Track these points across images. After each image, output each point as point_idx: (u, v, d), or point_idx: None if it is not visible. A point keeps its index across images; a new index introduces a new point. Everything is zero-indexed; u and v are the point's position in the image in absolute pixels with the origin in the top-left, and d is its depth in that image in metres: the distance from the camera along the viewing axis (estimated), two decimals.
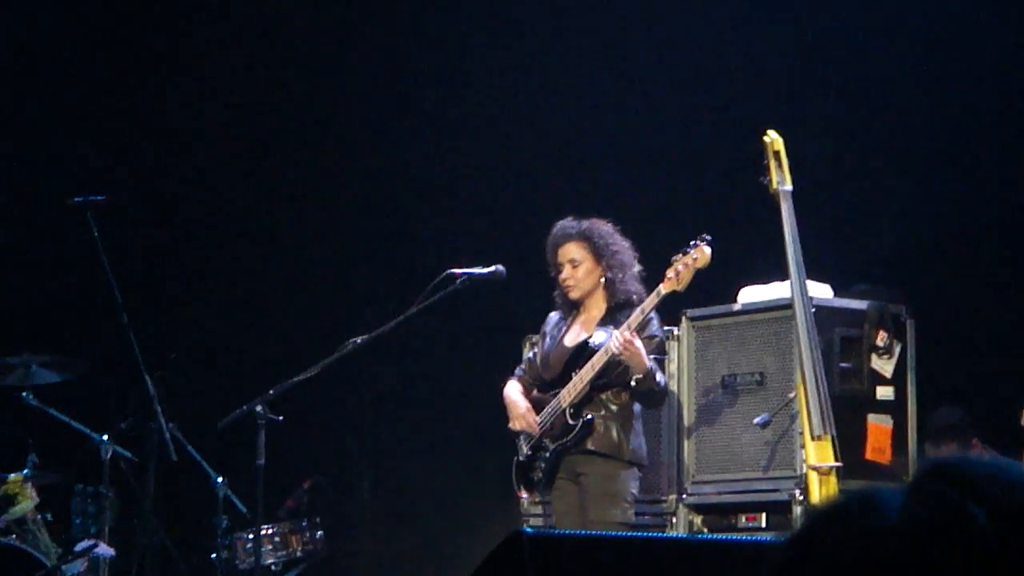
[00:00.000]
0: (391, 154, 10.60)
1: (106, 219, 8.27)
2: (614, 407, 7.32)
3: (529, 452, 7.48)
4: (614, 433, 7.30)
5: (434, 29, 10.54)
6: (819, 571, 1.29)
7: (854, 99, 9.10)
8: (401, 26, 10.66)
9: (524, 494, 7.59)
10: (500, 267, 7.57)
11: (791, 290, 7.07)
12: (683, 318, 7.84)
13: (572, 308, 7.55)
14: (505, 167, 10.18)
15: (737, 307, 7.76)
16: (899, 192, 8.77)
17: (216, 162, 10.69)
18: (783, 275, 7.20)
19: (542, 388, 7.55)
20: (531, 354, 7.73)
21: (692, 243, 7.14)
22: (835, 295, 7.65)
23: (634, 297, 7.36)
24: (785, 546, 1.34)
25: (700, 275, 7.25)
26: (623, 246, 7.45)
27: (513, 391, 7.62)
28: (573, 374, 7.34)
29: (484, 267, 7.57)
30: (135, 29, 10.82)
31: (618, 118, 9.77)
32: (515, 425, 7.50)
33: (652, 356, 7.23)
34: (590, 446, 7.30)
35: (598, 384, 7.28)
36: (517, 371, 7.72)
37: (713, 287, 7.82)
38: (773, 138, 7.18)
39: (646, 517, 7.83)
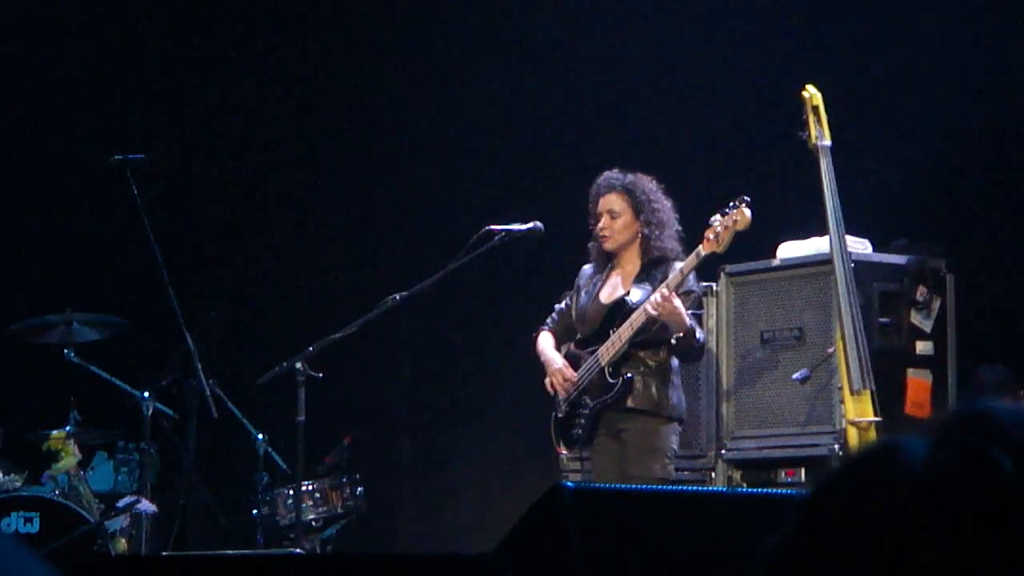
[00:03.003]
0: (429, 110, 10.59)
1: (146, 177, 8.30)
2: (653, 364, 7.33)
3: (568, 409, 7.50)
4: (654, 390, 7.31)
5: None
6: (844, 519, 1.30)
7: (895, 53, 9.04)
8: None
9: (563, 450, 7.61)
10: (538, 223, 7.58)
11: (830, 245, 7.06)
12: (721, 274, 7.83)
13: (606, 261, 7.55)
14: (544, 124, 10.16)
15: (776, 262, 7.75)
16: (939, 147, 8.73)
17: (256, 121, 10.70)
18: (822, 230, 7.18)
19: (578, 343, 7.56)
20: (563, 305, 7.71)
21: (732, 204, 7.11)
22: (874, 250, 7.64)
23: (670, 254, 7.35)
24: (810, 495, 1.35)
25: (739, 230, 7.23)
26: (664, 204, 7.44)
27: (547, 344, 7.63)
28: (611, 331, 7.34)
29: (522, 223, 7.58)
30: None
31: (657, 74, 9.74)
32: (551, 381, 7.52)
33: (690, 312, 7.23)
34: (630, 403, 7.31)
35: (637, 342, 7.29)
36: (548, 322, 7.72)
37: (752, 242, 7.80)
38: (812, 93, 7.15)
39: (685, 472, 7.84)
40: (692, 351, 7.31)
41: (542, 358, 7.61)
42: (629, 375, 7.30)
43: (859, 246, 7.50)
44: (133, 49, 10.68)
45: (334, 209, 10.76)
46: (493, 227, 7.53)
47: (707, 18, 9.54)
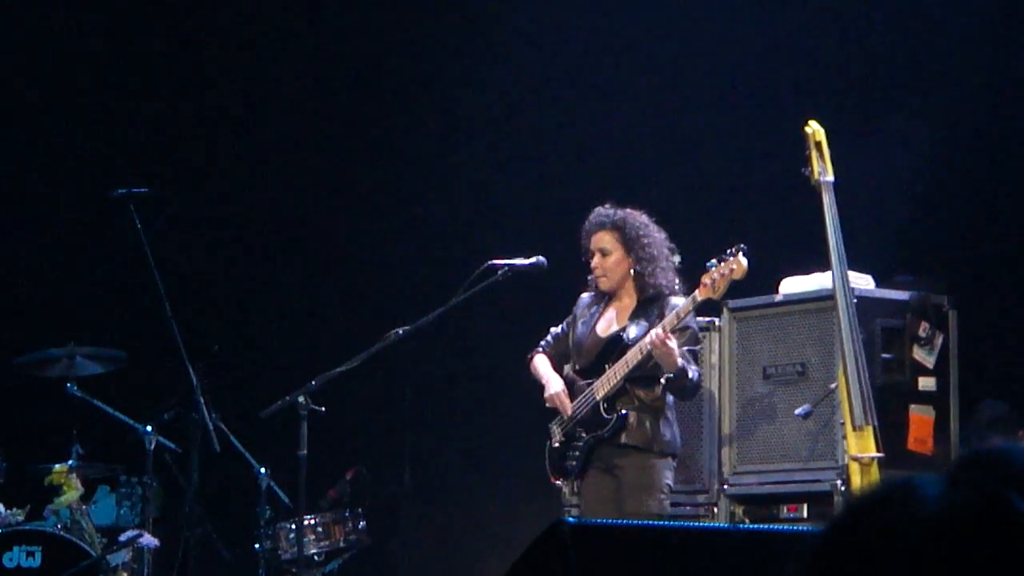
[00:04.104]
0: (433, 145, 10.61)
1: (149, 211, 8.31)
2: (647, 400, 7.35)
3: (563, 439, 7.52)
4: (648, 426, 7.33)
5: (474, 18, 10.54)
6: (859, 559, 1.29)
7: (895, 88, 9.06)
8: (440, 17, 10.66)
9: (557, 481, 7.62)
10: (541, 258, 7.59)
11: (833, 281, 7.06)
12: (724, 309, 7.83)
13: (604, 294, 7.57)
14: (547, 158, 10.18)
15: (778, 298, 7.75)
16: (942, 182, 8.74)
17: (260, 155, 10.72)
18: (824, 266, 7.19)
19: (575, 371, 7.56)
20: (559, 330, 7.73)
21: (729, 252, 7.14)
22: (877, 286, 7.64)
23: (665, 290, 7.37)
24: (824, 533, 1.35)
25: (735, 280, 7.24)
26: (656, 238, 7.45)
27: (544, 366, 7.64)
28: (606, 366, 7.37)
29: (525, 258, 7.59)
30: (178, 22, 10.86)
31: (660, 108, 9.75)
32: (550, 402, 7.53)
33: (685, 347, 7.25)
34: (624, 440, 7.34)
35: (631, 377, 7.30)
36: (543, 344, 7.73)
37: (754, 278, 7.81)
38: (815, 129, 7.17)
39: (687, 508, 7.84)
40: (685, 390, 7.34)
41: (542, 379, 7.62)
42: (624, 411, 7.32)
43: (862, 281, 7.50)
44: (137, 83, 10.71)
45: (337, 243, 10.77)
46: (496, 261, 7.55)
47: (710, 53, 9.56)
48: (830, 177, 7.09)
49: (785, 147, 7.55)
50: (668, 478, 7.35)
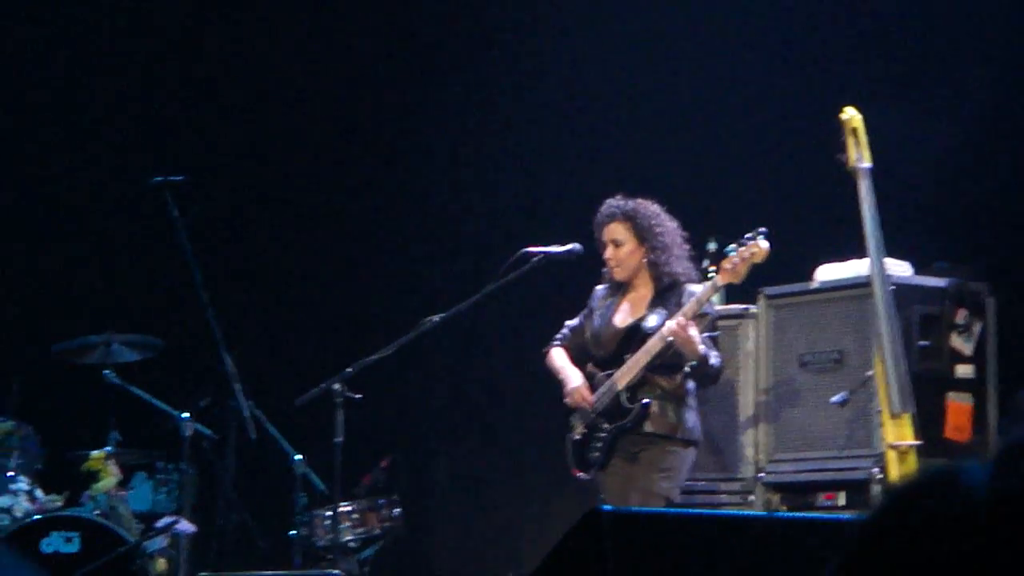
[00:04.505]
0: (469, 133, 10.61)
1: (185, 199, 8.33)
2: (669, 388, 7.35)
3: (585, 431, 7.52)
4: (670, 413, 7.33)
5: (509, 6, 10.53)
6: (901, 548, 1.29)
7: (934, 73, 9.02)
8: (476, 4, 10.65)
9: (579, 473, 7.61)
10: (577, 245, 7.59)
11: (870, 268, 7.04)
12: (760, 297, 7.82)
13: (619, 285, 7.56)
14: (582, 146, 10.16)
15: (815, 285, 7.72)
16: (981, 169, 8.69)
17: (295, 142, 10.74)
18: (861, 253, 7.16)
19: (595, 363, 7.56)
20: (576, 322, 7.72)
21: (749, 236, 7.12)
22: (914, 273, 7.61)
23: (680, 278, 7.36)
24: (866, 522, 1.34)
25: (777, 253, 7.22)
26: (668, 227, 7.44)
27: (562, 360, 7.64)
28: (626, 356, 7.37)
29: (560, 245, 7.58)
30: (216, 9, 10.88)
31: (697, 95, 9.73)
32: (570, 399, 7.53)
33: (705, 334, 7.24)
34: (648, 428, 7.34)
35: (652, 366, 7.29)
36: (559, 337, 7.73)
37: (790, 265, 7.79)
38: (851, 115, 7.14)
39: (723, 496, 7.83)
40: (707, 376, 7.34)
41: (560, 374, 7.62)
42: (646, 400, 7.32)
43: (899, 269, 7.47)
44: (173, 71, 10.73)
45: (372, 231, 10.78)
46: (530, 249, 7.55)
47: (746, 40, 9.53)
48: (867, 164, 7.07)
49: (822, 134, 7.52)
50: (688, 466, 7.35)
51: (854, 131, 7.10)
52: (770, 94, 9.45)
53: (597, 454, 7.46)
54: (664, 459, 7.31)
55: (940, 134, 8.78)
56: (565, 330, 7.74)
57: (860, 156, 7.08)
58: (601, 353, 7.53)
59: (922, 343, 7.38)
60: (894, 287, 7.08)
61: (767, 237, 7.10)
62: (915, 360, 7.26)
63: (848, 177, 7.09)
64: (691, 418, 7.37)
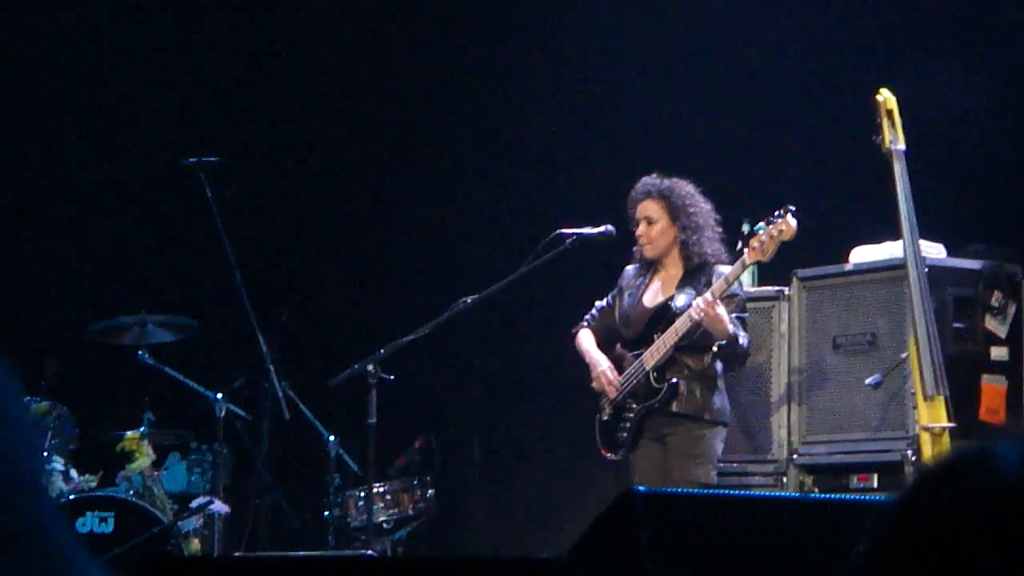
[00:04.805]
0: (502, 112, 10.60)
1: (219, 180, 8.35)
2: (697, 368, 7.34)
3: (612, 412, 7.53)
4: (698, 394, 7.32)
5: None
6: (933, 528, 1.28)
7: (967, 54, 8.98)
8: None
9: (608, 454, 7.62)
10: (610, 227, 7.58)
11: (904, 250, 7.01)
12: (794, 278, 7.80)
13: (649, 264, 7.56)
14: (616, 127, 10.15)
15: (849, 267, 7.71)
16: (1016, 150, 8.65)
17: (328, 124, 10.74)
18: (896, 235, 7.14)
19: (623, 345, 7.56)
20: (604, 303, 7.72)
21: (777, 213, 7.10)
22: (949, 255, 7.58)
23: (711, 259, 7.35)
24: (897, 502, 1.33)
25: (811, 235, 7.21)
26: (702, 208, 7.43)
27: (589, 343, 7.65)
28: (655, 336, 7.36)
29: (594, 226, 7.58)
30: None
31: (730, 77, 9.70)
32: (596, 382, 7.53)
33: (734, 314, 7.23)
34: (675, 409, 7.33)
35: (681, 347, 7.29)
36: (587, 318, 7.74)
37: (824, 247, 7.78)
38: (886, 96, 7.12)
39: (756, 477, 7.82)
40: (736, 357, 7.32)
41: (586, 357, 7.63)
42: (675, 380, 7.31)
43: (933, 250, 7.45)
44: (207, 52, 10.75)
45: (406, 212, 10.78)
46: (564, 230, 7.55)
47: (780, 20, 9.50)
48: (901, 145, 7.04)
49: (857, 115, 7.49)
50: (718, 448, 7.35)
51: (889, 113, 7.08)
52: (805, 76, 9.42)
53: (625, 434, 7.47)
54: (694, 444, 7.30)
55: (975, 116, 8.74)
56: (594, 310, 7.75)
57: (895, 138, 7.05)
58: (630, 333, 7.53)
59: (956, 325, 7.35)
60: (928, 269, 7.05)
61: (795, 214, 7.08)
62: (949, 342, 7.23)
63: (883, 159, 7.07)
64: (719, 399, 7.37)
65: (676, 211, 7.40)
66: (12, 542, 1.05)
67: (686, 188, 7.45)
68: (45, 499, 1.14)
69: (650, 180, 7.51)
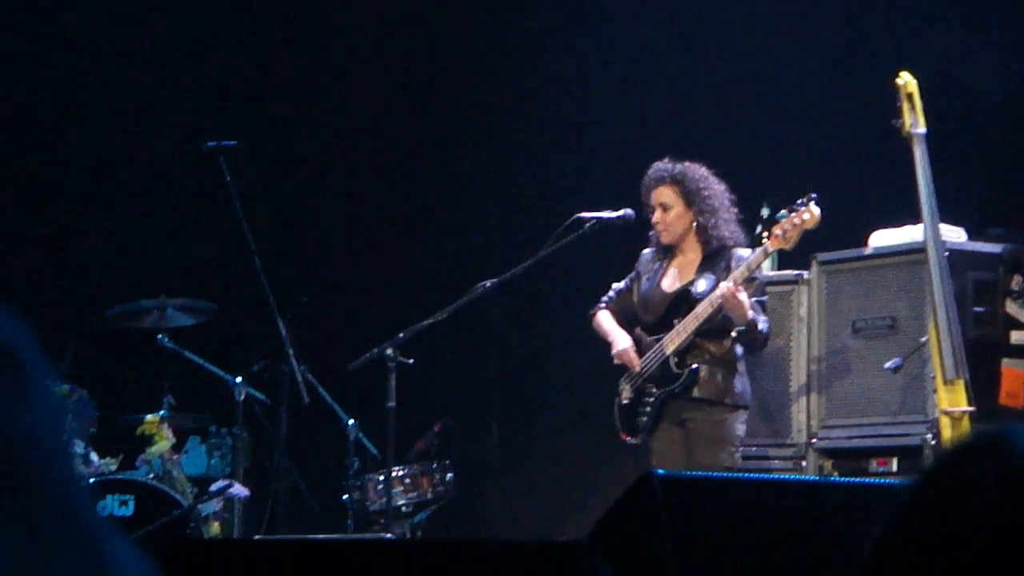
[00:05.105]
0: (521, 96, 10.59)
1: (239, 163, 8.36)
2: (718, 353, 7.33)
3: (632, 396, 7.52)
4: (719, 378, 7.32)
5: None
6: (950, 511, 1.28)
7: (986, 38, 8.95)
8: None
9: (627, 438, 7.62)
10: (629, 211, 7.57)
11: (924, 234, 7.00)
12: (813, 262, 7.79)
13: (667, 249, 7.54)
14: (637, 111, 10.14)
15: (869, 251, 7.69)
16: None
17: (348, 107, 10.74)
18: (916, 218, 7.13)
19: (643, 328, 7.55)
20: (622, 285, 7.71)
21: (800, 201, 7.09)
22: (969, 238, 7.56)
23: (728, 242, 7.33)
24: (915, 484, 1.33)
25: (831, 218, 7.20)
26: (716, 190, 7.41)
27: (609, 322, 7.64)
28: (674, 320, 7.35)
29: (613, 210, 7.57)
30: None
31: (748, 61, 9.69)
32: (618, 359, 7.53)
33: (754, 299, 7.22)
34: (696, 393, 7.33)
35: (701, 331, 7.28)
36: (605, 300, 7.73)
37: (844, 231, 7.76)
38: (906, 80, 7.10)
39: (775, 461, 7.82)
40: (756, 342, 7.32)
41: (608, 336, 7.61)
42: (695, 365, 7.31)
43: (953, 234, 7.43)
44: (226, 35, 10.75)
45: (426, 196, 10.78)
46: (584, 214, 7.54)
47: (800, 1, 9.47)
48: (922, 129, 7.03)
49: (876, 98, 7.48)
50: (740, 430, 7.36)
51: (909, 96, 7.06)
52: (826, 59, 9.40)
53: (645, 419, 7.46)
54: (716, 428, 7.30)
55: (995, 98, 8.72)
56: (611, 292, 7.74)
57: (915, 121, 7.04)
58: (649, 318, 7.52)
59: (976, 309, 7.34)
60: (948, 253, 7.04)
61: (818, 203, 7.07)
62: (969, 326, 7.22)
63: (903, 142, 7.05)
64: (740, 383, 7.36)
65: (691, 196, 7.39)
66: (48, 523, 1.06)
67: (699, 171, 7.43)
68: (76, 477, 1.15)
69: (662, 166, 7.49)
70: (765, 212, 7.65)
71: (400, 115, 10.81)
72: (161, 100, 10.59)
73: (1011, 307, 7.43)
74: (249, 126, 9.65)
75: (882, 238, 7.69)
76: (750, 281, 7.25)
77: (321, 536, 8.19)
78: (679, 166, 7.45)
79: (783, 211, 7.14)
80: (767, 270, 7.75)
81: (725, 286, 7.08)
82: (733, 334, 7.26)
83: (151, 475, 8.25)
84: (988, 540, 1.25)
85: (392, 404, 7.56)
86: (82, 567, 1.06)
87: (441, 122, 10.81)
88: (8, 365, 1.06)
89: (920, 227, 7.08)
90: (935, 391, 7.01)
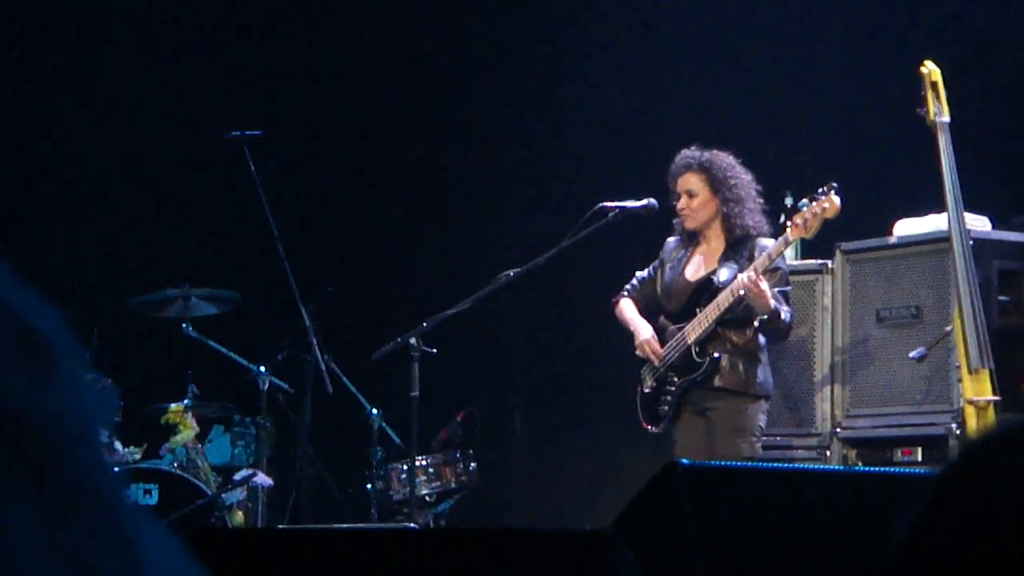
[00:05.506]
0: (546, 87, 10.58)
1: (262, 153, 8.37)
2: (739, 342, 7.32)
3: (654, 385, 7.52)
4: (741, 368, 7.30)
5: None
6: (977, 501, 1.28)
7: (1011, 24, 8.92)
8: None
9: (649, 427, 7.61)
10: (653, 200, 7.56)
11: (948, 222, 6.98)
12: (837, 251, 7.77)
13: (691, 237, 7.54)
14: (660, 101, 10.12)
15: (893, 240, 7.68)
16: None
17: (372, 97, 10.75)
18: (940, 207, 7.11)
19: (666, 316, 7.55)
20: (646, 273, 7.71)
21: (821, 190, 7.08)
22: (993, 227, 7.54)
23: (752, 231, 7.32)
24: (941, 475, 1.33)
25: (855, 207, 7.18)
26: (742, 179, 7.40)
27: (631, 311, 7.64)
28: (697, 309, 7.34)
29: (637, 200, 7.57)
30: None
31: (772, 50, 9.67)
32: (640, 349, 7.53)
33: (776, 288, 7.21)
34: (717, 383, 7.32)
35: (723, 320, 7.27)
36: (628, 288, 7.73)
37: (868, 219, 7.74)
38: (931, 68, 7.08)
39: (799, 451, 7.81)
40: (778, 331, 7.30)
41: (630, 326, 7.62)
42: (716, 354, 7.30)
43: (978, 223, 7.41)
44: (250, 25, 10.76)
45: (448, 185, 10.79)
46: (607, 204, 7.53)
47: None
48: (946, 117, 7.01)
49: (901, 87, 7.45)
50: (761, 420, 7.34)
51: (934, 85, 7.04)
52: (848, 47, 9.38)
53: (666, 408, 7.46)
54: (738, 418, 7.29)
55: (1019, 86, 8.69)
56: (634, 281, 7.74)
57: (939, 110, 7.01)
58: (672, 306, 7.51)
59: (1001, 298, 7.32)
60: (973, 242, 7.02)
61: (839, 192, 7.05)
62: (994, 315, 7.20)
63: (927, 131, 7.03)
64: (761, 373, 7.35)
65: (717, 183, 7.38)
66: (78, 511, 1.06)
67: (726, 160, 7.43)
68: (106, 464, 1.15)
69: (689, 153, 7.49)
70: (788, 200, 7.63)
71: (425, 105, 10.81)
72: (185, 90, 10.60)
73: None
74: (273, 116, 9.66)
75: (906, 227, 7.67)
76: (773, 271, 7.24)
77: (345, 525, 8.20)
78: (707, 154, 7.44)
79: (804, 200, 7.13)
80: (791, 259, 7.74)
81: (746, 275, 7.08)
82: (755, 323, 7.25)
83: (175, 464, 8.27)
84: (1018, 531, 1.24)
85: (415, 393, 7.56)
86: (113, 553, 1.06)
87: (465, 112, 10.81)
88: (37, 351, 1.06)
89: (944, 216, 7.06)
90: (960, 380, 6.99)
